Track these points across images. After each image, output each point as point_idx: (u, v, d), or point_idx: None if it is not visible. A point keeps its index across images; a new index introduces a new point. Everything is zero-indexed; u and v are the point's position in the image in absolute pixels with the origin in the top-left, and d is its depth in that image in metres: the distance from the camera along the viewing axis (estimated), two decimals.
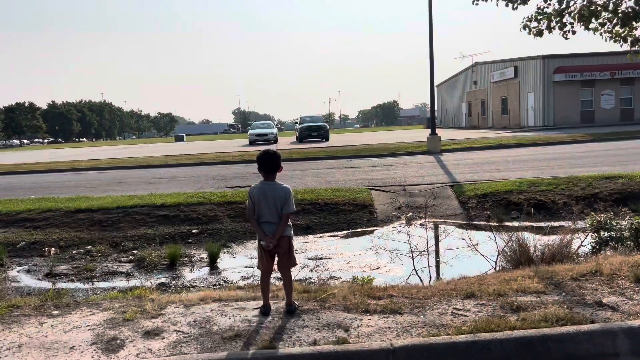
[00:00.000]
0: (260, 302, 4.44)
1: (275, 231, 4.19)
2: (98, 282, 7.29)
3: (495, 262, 6.27)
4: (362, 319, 3.99)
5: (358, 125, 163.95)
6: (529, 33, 7.40)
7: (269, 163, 4.26)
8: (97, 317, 4.44)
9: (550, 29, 7.21)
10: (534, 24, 7.33)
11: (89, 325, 4.22)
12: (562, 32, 7.17)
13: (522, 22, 7.45)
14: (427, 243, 7.89)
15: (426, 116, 77.65)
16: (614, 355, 3.34)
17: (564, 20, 7.13)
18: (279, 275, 4.70)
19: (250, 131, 38.12)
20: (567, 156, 17.05)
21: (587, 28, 7.23)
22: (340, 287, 4.88)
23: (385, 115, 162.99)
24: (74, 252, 8.76)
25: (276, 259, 4.34)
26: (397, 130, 70.61)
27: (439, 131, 23.36)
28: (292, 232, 4.37)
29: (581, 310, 3.87)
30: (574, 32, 7.14)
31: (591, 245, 6.54)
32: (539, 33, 7.29)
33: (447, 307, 4.16)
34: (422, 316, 3.98)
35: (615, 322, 3.55)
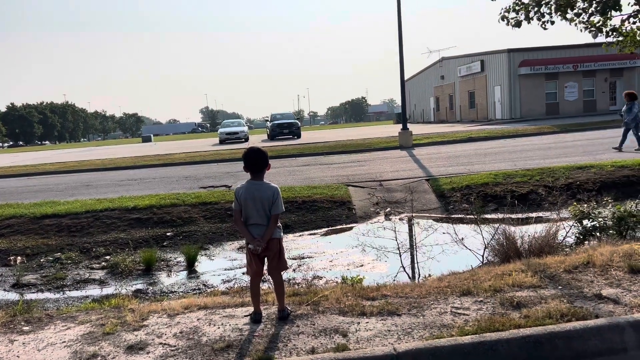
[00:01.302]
0: (250, 309, 4.20)
1: (263, 234, 3.95)
2: (70, 291, 6.91)
3: (483, 256, 6.19)
4: (359, 323, 3.80)
5: (323, 122, 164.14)
6: (507, 24, 7.35)
7: (256, 161, 4.00)
8: (73, 331, 4.12)
9: (528, 19, 7.17)
10: (513, 14, 7.28)
11: (64, 342, 3.90)
12: (540, 23, 7.15)
13: (500, 13, 7.40)
14: (413, 239, 7.80)
15: (394, 112, 78.24)
16: (622, 350, 3.26)
17: (542, 10, 7.10)
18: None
19: (221, 130, 37.55)
20: (537, 148, 17.30)
21: (564, 18, 7.22)
22: (332, 288, 4.68)
23: (354, 111, 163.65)
24: (42, 260, 8.32)
25: (266, 262, 4.10)
26: (367, 126, 70.88)
27: (408, 126, 23.44)
28: (282, 234, 4.14)
29: (582, 304, 3.78)
30: (552, 23, 7.12)
31: (575, 236, 6.53)
32: (518, 24, 7.24)
33: (445, 306, 4.01)
34: (421, 317, 3.82)
35: (621, 316, 3.46)
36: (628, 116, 14.37)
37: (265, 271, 4.17)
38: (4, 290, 7.07)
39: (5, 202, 12.31)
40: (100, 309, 4.75)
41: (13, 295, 6.80)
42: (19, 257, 8.45)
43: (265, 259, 4.09)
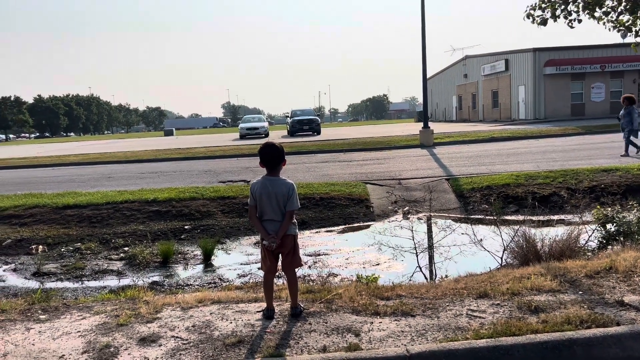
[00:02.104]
0: (263, 304, 4.18)
1: (278, 230, 3.93)
2: (88, 281, 7.00)
3: (501, 258, 6.08)
4: (372, 322, 3.75)
5: (341, 119, 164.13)
6: (533, 22, 7.19)
7: (272, 156, 3.97)
8: (88, 321, 4.16)
9: (555, 17, 6.99)
10: (539, 12, 7.11)
11: (79, 331, 3.94)
12: (567, 21, 6.97)
13: (526, 10, 7.24)
14: (431, 239, 7.71)
15: (416, 110, 77.57)
16: None
17: (569, 8, 6.92)
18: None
19: (241, 125, 37.69)
20: (561, 149, 16.97)
21: (592, 16, 7.03)
22: (346, 287, 4.64)
23: (375, 109, 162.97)
24: (62, 249, 8.45)
25: (280, 258, 4.08)
26: (388, 124, 70.54)
27: (429, 124, 23.21)
28: (297, 231, 4.10)
29: (603, 311, 3.67)
30: (579, 21, 6.94)
31: (598, 240, 6.36)
32: (544, 22, 7.07)
33: (461, 308, 3.94)
34: (436, 318, 3.75)
35: None
36: (625, 120, 14.12)
37: (279, 267, 4.14)
38: (25, 278, 7.20)
39: (29, 192, 12.56)
40: (116, 300, 4.80)
41: (33, 284, 6.92)
42: (40, 246, 8.60)
43: (280, 255, 4.06)
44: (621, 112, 14.54)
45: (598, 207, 6.64)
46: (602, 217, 6.40)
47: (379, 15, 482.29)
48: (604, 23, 7.29)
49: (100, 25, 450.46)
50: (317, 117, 37.74)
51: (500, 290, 4.23)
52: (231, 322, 3.95)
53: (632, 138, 14.11)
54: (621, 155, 13.92)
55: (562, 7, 6.91)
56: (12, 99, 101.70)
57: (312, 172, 14.69)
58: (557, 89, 37.10)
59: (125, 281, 6.86)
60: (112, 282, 6.89)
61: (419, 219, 9.59)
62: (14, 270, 7.58)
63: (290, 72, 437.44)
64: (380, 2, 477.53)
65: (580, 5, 7.05)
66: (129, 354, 3.49)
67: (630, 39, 7.83)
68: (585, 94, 37.56)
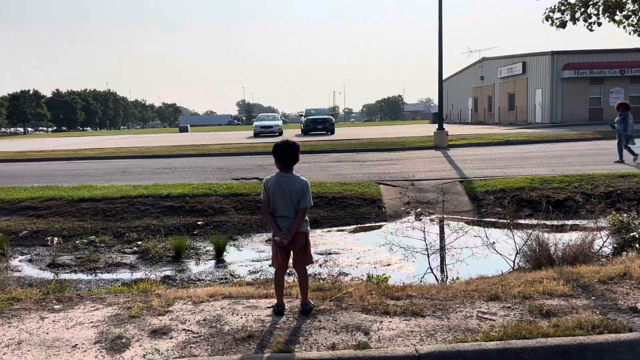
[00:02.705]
0: (273, 300, 4.21)
1: (290, 227, 3.95)
2: (101, 273, 7.09)
3: (514, 262, 6.04)
4: (382, 321, 3.76)
5: (353, 120, 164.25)
6: (552, 24, 7.12)
7: (288, 154, 4.00)
8: (101, 312, 4.22)
9: (574, 20, 6.92)
10: (557, 15, 7.04)
11: (92, 322, 4.01)
12: (586, 24, 6.90)
13: (545, 13, 7.18)
14: (443, 240, 7.68)
15: (431, 111, 77.26)
16: None
17: (589, 11, 6.84)
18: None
19: (255, 123, 37.83)
20: (577, 154, 16.80)
21: (612, 20, 6.95)
22: (356, 285, 4.65)
23: (390, 109, 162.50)
24: (77, 242, 8.57)
25: (292, 255, 4.10)
26: (402, 124, 70.29)
27: (444, 126, 23.08)
28: (308, 228, 4.13)
29: (616, 317, 3.64)
30: (599, 24, 6.87)
31: (612, 246, 6.30)
32: (562, 24, 7.00)
33: (472, 310, 3.92)
34: (446, 319, 3.75)
35: None
36: (621, 126, 14.04)
37: (290, 264, 4.17)
38: (40, 269, 7.31)
39: (46, 185, 12.74)
40: (129, 292, 4.86)
41: (48, 275, 7.03)
42: (55, 238, 8.73)
43: (291, 252, 4.08)
44: (616, 118, 14.49)
45: (613, 212, 6.59)
46: (617, 223, 6.35)
47: (394, 15, 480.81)
48: (624, 27, 7.21)
49: (119, 21, 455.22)
50: (331, 117, 37.74)
51: (511, 294, 4.21)
52: (241, 317, 3.98)
53: (629, 145, 14.05)
54: (635, 162, 13.78)
55: (582, 9, 6.84)
56: (30, 92, 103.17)
57: (325, 171, 14.71)
58: (574, 93, 36.64)
59: (138, 274, 6.94)
60: (125, 275, 6.97)
61: (431, 220, 9.56)
62: (30, 261, 7.70)
63: (305, 72, 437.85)
64: (396, 3, 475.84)
65: (601, 8, 6.98)
66: (140, 345, 3.54)
67: None
68: (604, 99, 37.05)
